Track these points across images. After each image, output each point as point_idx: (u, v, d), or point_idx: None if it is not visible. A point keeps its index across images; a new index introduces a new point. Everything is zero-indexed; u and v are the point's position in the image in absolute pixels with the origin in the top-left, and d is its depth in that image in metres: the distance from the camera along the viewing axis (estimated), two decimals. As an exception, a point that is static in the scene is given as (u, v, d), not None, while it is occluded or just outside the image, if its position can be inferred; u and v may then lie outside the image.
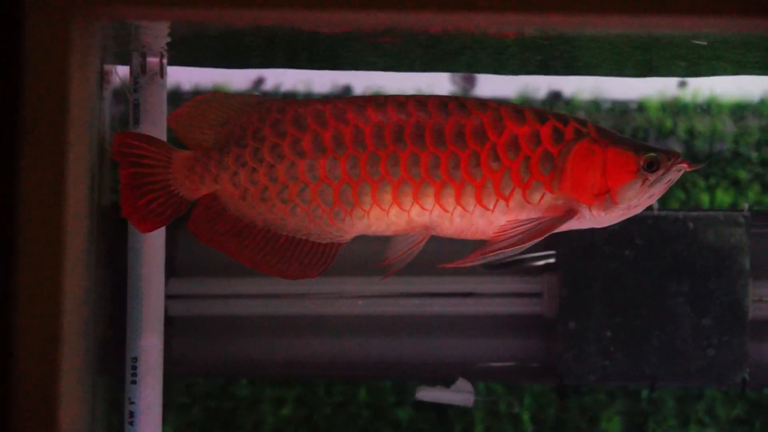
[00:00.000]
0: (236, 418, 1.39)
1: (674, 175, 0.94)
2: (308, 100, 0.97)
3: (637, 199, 0.94)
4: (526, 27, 1.01)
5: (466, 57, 1.18)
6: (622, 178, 0.93)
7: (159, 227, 0.96)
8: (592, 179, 0.93)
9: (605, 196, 0.93)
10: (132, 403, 1.15)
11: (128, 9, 0.88)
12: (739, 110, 1.41)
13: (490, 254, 0.94)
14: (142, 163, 0.95)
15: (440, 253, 1.10)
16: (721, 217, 1.24)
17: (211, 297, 1.30)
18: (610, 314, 1.24)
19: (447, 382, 1.30)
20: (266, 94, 1.44)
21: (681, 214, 1.25)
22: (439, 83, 1.45)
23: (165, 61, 1.14)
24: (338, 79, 1.44)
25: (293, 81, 1.45)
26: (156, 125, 1.16)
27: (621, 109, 1.42)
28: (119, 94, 1.25)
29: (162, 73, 1.15)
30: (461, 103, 0.94)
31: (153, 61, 1.15)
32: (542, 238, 0.94)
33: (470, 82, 1.44)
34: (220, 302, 1.30)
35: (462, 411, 1.38)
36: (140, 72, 1.15)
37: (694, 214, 1.25)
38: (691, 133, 1.41)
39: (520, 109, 0.95)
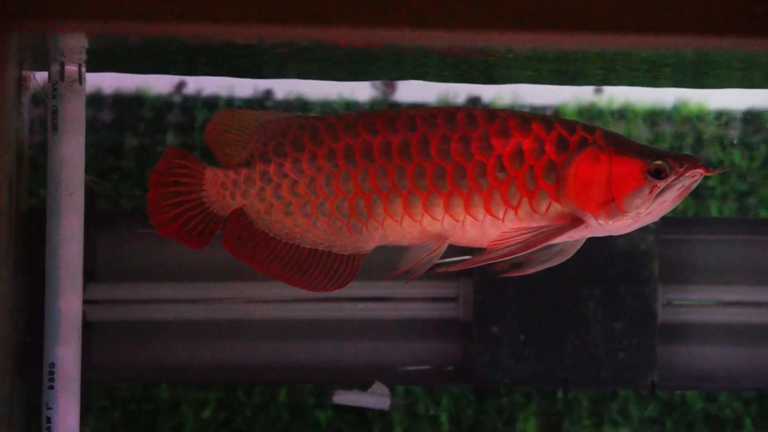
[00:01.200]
0: (157, 421, 1.41)
1: (688, 181, 0.94)
2: (326, 115, 1.01)
3: (645, 207, 0.95)
4: (441, 43, 1.04)
5: (387, 66, 1.21)
6: (628, 186, 0.94)
7: (204, 245, 1.00)
8: (596, 188, 0.95)
9: (611, 205, 0.95)
10: (49, 408, 1.16)
11: (46, 22, 0.90)
12: (653, 116, 1.45)
13: (491, 260, 0.97)
14: (181, 182, 1.00)
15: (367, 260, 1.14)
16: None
17: (130, 302, 1.31)
18: (524, 318, 1.27)
19: (364, 386, 1.33)
20: (187, 98, 1.46)
21: (593, 220, 1.29)
22: (361, 88, 1.47)
23: (83, 68, 1.16)
24: (260, 84, 1.46)
25: (215, 85, 1.47)
26: (74, 131, 1.17)
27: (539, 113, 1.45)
28: (39, 100, 1.26)
29: (81, 79, 1.17)
30: (470, 114, 0.97)
31: (72, 68, 1.16)
32: (541, 246, 0.96)
33: (391, 88, 1.47)
34: (138, 307, 1.31)
35: (381, 413, 1.40)
36: (59, 79, 1.16)
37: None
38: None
39: (528, 117, 0.97)
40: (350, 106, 1.45)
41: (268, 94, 1.46)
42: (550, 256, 1.00)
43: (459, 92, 1.46)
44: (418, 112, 0.98)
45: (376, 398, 1.31)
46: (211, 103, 1.45)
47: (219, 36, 0.99)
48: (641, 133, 1.45)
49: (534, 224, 0.95)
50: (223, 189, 0.99)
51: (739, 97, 1.43)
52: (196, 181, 1.00)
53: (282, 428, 1.42)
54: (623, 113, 1.45)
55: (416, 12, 0.92)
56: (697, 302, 1.31)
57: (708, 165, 0.97)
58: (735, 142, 1.41)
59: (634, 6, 0.93)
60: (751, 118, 1.44)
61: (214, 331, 1.33)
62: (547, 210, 0.95)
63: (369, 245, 0.99)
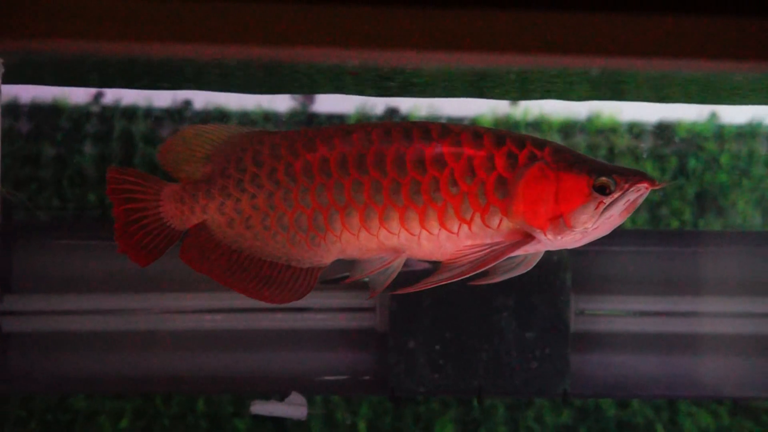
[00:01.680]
0: (74, 431, 1.42)
1: (633, 195, 0.94)
2: (286, 131, 1.01)
3: (592, 222, 0.95)
4: (354, 60, 1.06)
5: (305, 80, 1.23)
6: (575, 202, 0.94)
7: (155, 260, 1.00)
8: (544, 204, 0.95)
9: (559, 221, 0.95)
10: (-37, 421, 1.17)
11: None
12: (567, 128, 1.48)
13: (444, 281, 0.97)
14: (134, 198, 0.99)
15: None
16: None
17: (47, 313, 1.31)
18: (439, 328, 1.30)
19: (282, 396, 1.35)
20: (106, 108, 1.46)
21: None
22: (281, 99, 1.49)
23: (-2, 80, 1.16)
24: (179, 95, 1.47)
25: (134, 95, 1.47)
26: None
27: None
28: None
29: (-5, 90, 1.17)
30: (426, 130, 0.98)
31: (-15, 80, 1.17)
32: (496, 263, 0.96)
33: (310, 99, 1.48)
34: (55, 318, 1.32)
35: (299, 422, 1.42)
36: (-28, 90, 1.16)
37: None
38: (523, 150, 1.48)
39: (481, 133, 0.97)
40: (269, 116, 1.46)
41: (187, 104, 1.47)
42: (512, 266, 1.02)
43: (377, 104, 1.48)
44: (375, 127, 0.99)
45: (293, 408, 1.33)
46: (130, 113, 1.45)
47: (134, 53, 1.00)
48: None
49: (488, 239, 0.96)
50: (181, 204, 1.00)
51: (651, 110, 1.46)
52: (153, 197, 1.00)
53: (200, 438, 1.43)
54: (538, 125, 1.48)
55: (333, 31, 0.94)
56: (610, 312, 1.34)
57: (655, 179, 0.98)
58: (644, 155, 1.44)
59: (541, 28, 0.96)
60: (662, 130, 1.47)
61: (132, 342, 1.34)
62: (499, 225, 0.96)
63: (327, 259, 1.00)
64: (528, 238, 0.96)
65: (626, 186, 0.94)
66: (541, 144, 0.97)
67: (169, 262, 1.28)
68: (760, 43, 0.97)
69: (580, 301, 1.32)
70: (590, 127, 1.48)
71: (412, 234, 0.97)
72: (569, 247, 0.98)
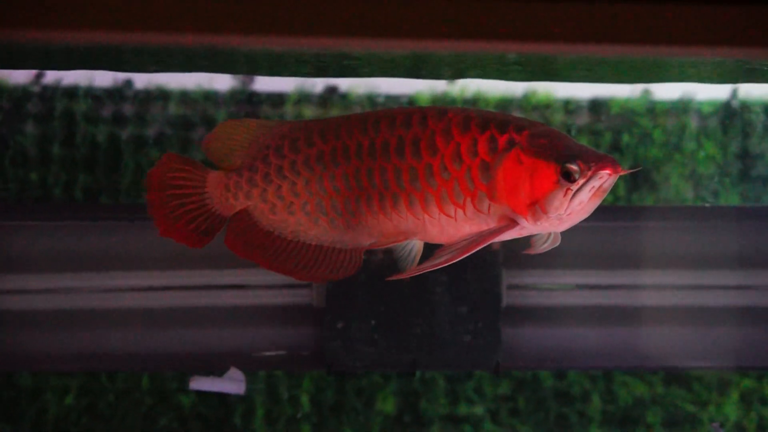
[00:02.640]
0: (19, 408, 1.45)
1: (597, 182, 0.94)
2: (320, 119, 1.05)
3: (563, 209, 0.95)
4: (300, 47, 1.10)
5: (246, 61, 1.26)
6: (546, 189, 0.95)
7: (206, 243, 1.06)
8: (522, 190, 0.96)
9: (535, 207, 0.96)
10: None
11: None
12: (504, 104, 1.51)
13: (436, 266, 1.00)
14: (180, 185, 1.04)
15: (215, 245, 1.19)
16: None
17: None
18: (374, 304, 1.33)
19: (221, 372, 1.39)
20: (47, 88, 1.49)
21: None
22: (221, 78, 1.52)
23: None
24: (119, 74, 1.50)
25: (75, 75, 1.50)
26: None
27: (394, 103, 1.51)
28: None
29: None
30: (423, 115, 1.00)
31: None
32: (482, 246, 0.98)
33: (250, 78, 1.51)
34: (0, 297, 1.35)
35: (243, 397, 1.46)
36: None
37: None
38: (460, 126, 1.51)
39: (471, 116, 0.99)
40: (209, 96, 1.49)
41: (128, 83, 1.50)
42: (543, 242, 1.03)
43: (317, 82, 1.51)
44: (385, 115, 1.02)
45: (231, 383, 1.36)
46: (71, 92, 1.48)
47: (75, 40, 1.03)
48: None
49: (483, 224, 0.99)
50: (226, 191, 1.04)
51: (585, 87, 1.50)
52: (199, 184, 1.04)
53: (145, 413, 1.46)
54: (475, 102, 1.51)
55: (277, 19, 0.97)
56: (541, 286, 1.38)
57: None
58: (573, 132, 1.48)
59: (473, 15, 0.99)
60: (596, 106, 1.51)
61: (76, 321, 1.37)
62: (489, 210, 0.98)
63: (364, 240, 1.03)
64: (512, 223, 0.98)
65: (589, 173, 0.94)
66: (521, 127, 0.98)
67: (109, 240, 1.32)
68: (690, 28, 1.01)
69: (511, 276, 1.35)
70: (526, 104, 1.51)
71: (417, 218, 1.01)
72: (551, 231, 1.00)
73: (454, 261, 0.99)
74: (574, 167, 0.94)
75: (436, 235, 1.01)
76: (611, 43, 1.00)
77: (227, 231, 1.05)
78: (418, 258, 1.04)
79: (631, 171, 0.95)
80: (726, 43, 1.00)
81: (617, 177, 0.95)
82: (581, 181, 0.94)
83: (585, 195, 0.95)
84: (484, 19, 0.98)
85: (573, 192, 0.95)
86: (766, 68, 1.22)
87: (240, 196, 1.04)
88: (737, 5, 0.99)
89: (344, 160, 1.02)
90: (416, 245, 1.04)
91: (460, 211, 0.98)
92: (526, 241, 1.04)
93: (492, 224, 0.98)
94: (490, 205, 0.97)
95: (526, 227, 0.98)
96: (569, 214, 0.96)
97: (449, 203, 0.98)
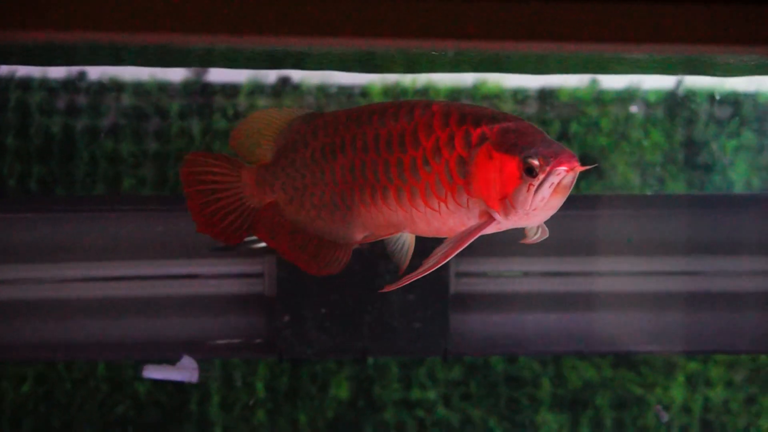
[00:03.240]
0: (-24, 398, 1.47)
1: (556, 178, 0.94)
2: (332, 112, 1.07)
3: (529, 204, 0.95)
4: (252, 45, 1.12)
5: (199, 56, 1.28)
6: (512, 184, 0.95)
7: (241, 240, 1.08)
8: (493, 185, 0.96)
9: (506, 202, 0.96)
10: None
11: None
12: (455, 94, 1.54)
13: (426, 271, 1.01)
14: (215, 180, 1.07)
15: (168, 236, 1.21)
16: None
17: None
18: (325, 292, 1.36)
19: (173, 360, 1.42)
20: (0, 79, 1.51)
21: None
22: (174, 69, 1.54)
23: None
24: (73, 67, 1.52)
25: (28, 66, 1.52)
26: None
27: (346, 94, 1.53)
28: None
29: None
30: (411, 108, 1.02)
31: None
32: (467, 245, 0.99)
33: (203, 69, 1.53)
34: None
35: (199, 384, 1.49)
36: None
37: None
38: (412, 116, 1.54)
39: (452, 110, 0.99)
40: (163, 87, 1.51)
41: (82, 75, 1.52)
42: (534, 234, 1.05)
43: (269, 73, 1.53)
44: (379, 108, 1.04)
45: (184, 371, 1.39)
46: (25, 83, 1.50)
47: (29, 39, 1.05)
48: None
49: (465, 218, 0.99)
50: (257, 184, 1.07)
51: (534, 78, 1.53)
52: (234, 179, 1.07)
53: (102, 400, 1.49)
54: (426, 92, 1.54)
55: (226, 19, 1.00)
56: (488, 273, 1.41)
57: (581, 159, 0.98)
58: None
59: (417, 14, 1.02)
60: (545, 96, 1.54)
61: (31, 311, 1.39)
62: (468, 204, 0.99)
63: (358, 234, 1.06)
64: (490, 219, 0.98)
65: (548, 169, 0.94)
66: (495, 122, 0.98)
67: (64, 232, 1.34)
68: (638, 26, 1.04)
69: (459, 263, 1.39)
70: (476, 93, 1.54)
71: (405, 211, 1.02)
72: (522, 226, 1.00)
73: (443, 263, 1.00)
74: (534, 162, 0.94)
75: (424, 228, 1.03)
76: (558, 41, 1.02)
77: (254, 222, 1.08)
78: (410, 252, 1.06)
79: (588, 168, 0.95)
80: (672, 41, 1.03)
81: (578, 173, 0.95)
82: (541, 177, 0.94)
83: (546, 191, 0.95)
84: (429, 20, 1.00)
85: (535, 187, 0.95)
86: (708, 63, 1.26)
87: (267, 189, 1.07)
88: (684, 4, 1.02)
89: (341, 154, 1.04)
90: (408, 239, 1.06)
91: (443, 205, 0.99)
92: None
93: (473, 218, 0.99)
94: (468, 199, 0.98)
95: (501, 222, 0.98)
96: (534, 210, 0.96)
97: (433, 196, 1.00)
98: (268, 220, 1.07)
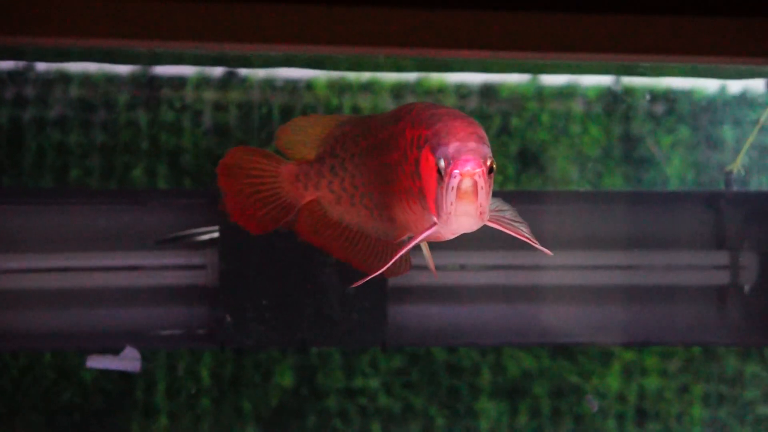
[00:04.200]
0: None
1: (454, 182, 0.91)
2: (373, 115, 1.10)
3: (446, 206, 0.92)
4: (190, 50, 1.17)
5: (146, 55, 1.32)
6: (433, 187, 0.93)
7: (271, 229, 1.10)
8: (429, 186, 0.94)
9: (435, 204, 0.94)
10: None
11: None
12: (398, 89, 1.59)
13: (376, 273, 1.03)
14: (253, 175, 1.08)
15: (112, 228, 1.25)
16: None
17: None
18: (266, 284, 1.40)
19: (116, 351, 1.46)
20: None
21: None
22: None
23: None
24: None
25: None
26: None
27: (291, 87, 1.57)
28: None
29: None
30: (399, 111, 1.02)
31: None
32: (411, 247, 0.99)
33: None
34: None
35: (145, 372, 1.53)
36: None
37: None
38: (355, 109, 1.59)
39: (420, 113, 0.98)
40: (111, 78, 1.55)
41: (30, 67, 1.55)
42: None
43: (215, 68, 1.57)
44: (395, 111, 1.04)
45: (127, 362, 1.43)
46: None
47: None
48: (387, 105, 1.58)
49: (426, 223, 0.98)
50: (297, 181, 1.08)
51: (476, 74, 1.58)
52: (272, 174, 1.09)
53: (48, 387, 1.53)
54: (371, 86, 1.58)
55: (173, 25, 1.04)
56: (427, 266, 1.45)
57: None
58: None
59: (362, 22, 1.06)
60: (487, 91, 1.59)
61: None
62: (426, 208, 0.97)
63: (396, 234, 1.05)
64: (433, 224, 0.96)
65: (449, 170, 0.91)
66: (435, 122, 0.96)
67: (10, 223, 1.38)
68: (574, 36, 1.08)
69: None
70: (419, 89, 1.59)
71: (402, 213, 1.02)
72: (455, 232, 0.97)
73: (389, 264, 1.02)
74: (441, 164, 0.92)
75: (417, 231, 1.01)
76: (500, 49, 1.07)
77: (299, 220, 1.10)
78: (426, 253, 1.09)
79: (490, 172, 0.91)
80: (607, 50, 1.08)
81: (484, 177, 0.91)
82: (446, 180, 0.91)
83: (451, 195, 0.91)
84: (373, 27, 1.05)
85: (445, 191, 0.92)
86: (641, 67, 1.32)
87: (310, 186, 1.08)
88: (620, 14, 1.07)
89: (368, 156, 1.06)
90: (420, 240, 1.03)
91: (417, 207, 0.99)
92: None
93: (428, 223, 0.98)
94: (423, 202, 0.97)
95: (440, 228, 0.96)
96: (449, 215, 0.93)
97: (409, 199, 1.00)
98: (311, 217, 1.09)
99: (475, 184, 0.91)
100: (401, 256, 1.04)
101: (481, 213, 0.93)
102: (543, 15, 1.08)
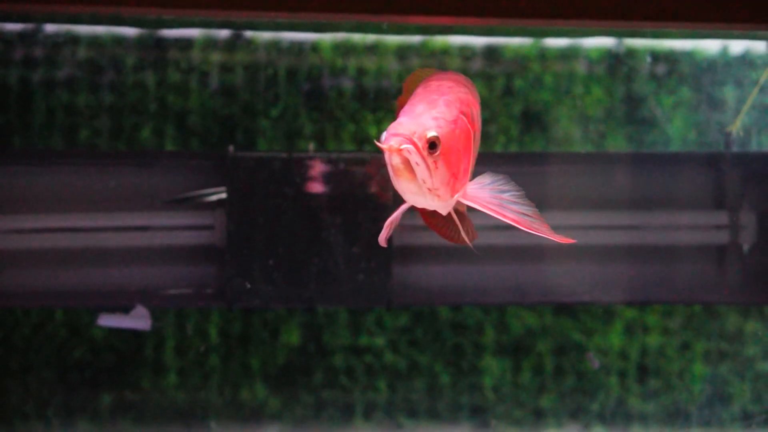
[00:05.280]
0: (-65, 343, 1.56)
1: (387, 157, 0.92)
2: None
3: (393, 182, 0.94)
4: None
5: (153, 19, 1.36)
6: None
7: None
8: None
9: None
10: None
11: None
12: (403, 51, 1.62)
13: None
14: None
15: (122, 189, 1.30)
16: (367, 157, 1.46)
17: None
18: (272, 245, 1.45)
19: (126, 309, 1.51)
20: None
21: (334, 154, 1.46)
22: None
23: None
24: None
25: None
26: None
27: (297, 49, 1.61)
28: None
29: None
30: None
31: None
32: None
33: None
34: None
35: (154, 330, 1.58)
36: None
37: (345, 155, 1.46)
38: (360, 71, 1.63)
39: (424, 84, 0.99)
40: (118, 40, 1.59)
41: (39, 28, 1.59)
42: None
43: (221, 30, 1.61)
44: None
45: (137, 320, 1.48)
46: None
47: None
48: (392, 67, 1.62)
49: None
50: None
51: (480, 37, 1.62)
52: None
53: (59, 344, 1.58)
54: (376, 47, 1.62)
55: None
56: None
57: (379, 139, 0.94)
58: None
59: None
60: (490, 52, 1.62)
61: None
62: None
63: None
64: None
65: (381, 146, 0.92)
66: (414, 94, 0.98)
67: (21, 184, 1.42)
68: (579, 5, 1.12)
69: (404, 217, 1.46)
70: (424, 49, 1.62)
71: None
72: (413, 205, 1.00)
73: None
74: (381, 138, 0.92)
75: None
76: (505, 17, 1.11)
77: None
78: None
79: (433, 147, 0.91)
80: (610, 18, 1.12)
81: (420, 153, 0.92)
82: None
83: (390, 171, 0.93)
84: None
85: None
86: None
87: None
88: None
89: None
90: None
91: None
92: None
93: None
94: None
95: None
96: (402, 191, 0.95)
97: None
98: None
99: (405, 160, 0.92)
100: (464, 225, 1.04)
101: (430, 189, 0.93)
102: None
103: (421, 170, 0.92)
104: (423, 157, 0.92)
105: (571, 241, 1.01)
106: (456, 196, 0.96)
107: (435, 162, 0.92)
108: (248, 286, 1.43)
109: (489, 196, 0.99)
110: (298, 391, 1.62)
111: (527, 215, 0.99)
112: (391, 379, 1.63)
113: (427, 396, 1.64)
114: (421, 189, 0.93)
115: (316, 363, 1.62)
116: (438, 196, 0.95)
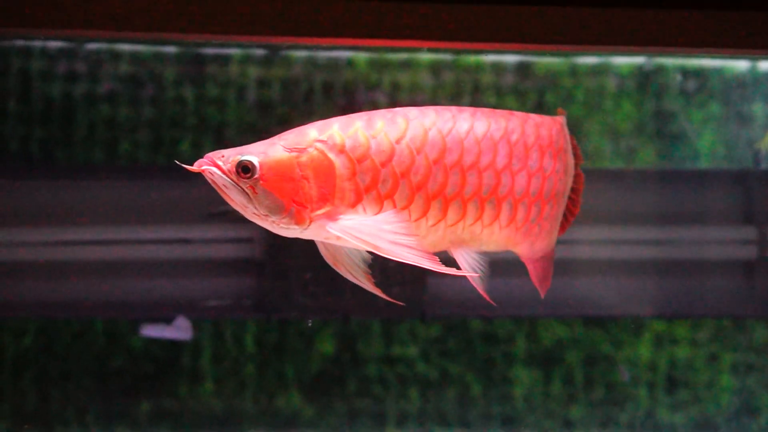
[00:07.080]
0: (-22, 350, 1.63)
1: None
2: None
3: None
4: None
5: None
6: None
7: None
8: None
9: None
10: None
11: None
12: (436, 66, 1.68)
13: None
14: None
15: (163, 203, 1.36)
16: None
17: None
18: (309, 257, 1.50)
19: (168, 320, 1.57)
20: (2, 48, 1.64)
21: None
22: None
23: None
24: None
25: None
26: None
27: (333, 65, 1.67)
28: None
29: None
30: None
31: None
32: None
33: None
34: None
35: (192, 340, 1.64)
36: None
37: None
38: (395, 86, 1.69)
39: None
40: (158, 55, 1.65)
41: (80, 44, 1.65)
42: None
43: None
44: None
45: (178, 330, 1.55)
46: (25, 52, 1.63)
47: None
48: (426, 82, 1.68)
49: None
50: None
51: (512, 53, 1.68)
52: None
53: (98, 352, 1.64)
54: (409, 63, 1.68)
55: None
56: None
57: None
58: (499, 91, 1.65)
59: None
60: (522, 68, 1.69)
61: (34, 270, 1.55)
62: None
63: None
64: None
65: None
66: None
67: (66, 197, 1.49)
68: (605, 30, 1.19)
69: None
70: (457, 66, 1.68)
71: None
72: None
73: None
74: None
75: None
76: (534, 43, 1.17)
77: None
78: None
79: (245, 173, 0.97)
80: (636, 44, 1.18)
81: (224, 173, 0.97)
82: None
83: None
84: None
85: None
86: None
87: None
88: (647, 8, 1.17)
89: None
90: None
91: None
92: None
93: None
94: None
95: None
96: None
97: None
98: None
99: (214, 182, 0.96)
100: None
101: (257, 215, 0.99)
102: (572, 9, 1.19)
103: (234, 194, 0.97)
104: (234, 181, 0.97)
105: (454, 271, 1.07)
106: (313, 224, 1.03)
107: (252, 187, 0.97)
108: (309, 323, 1.49)
109: (364, 227, 1.03)
110: (331, 399, 1.67)
111: (405, 245, 1.05)
112: (423, 388, 1.68)
113: (458, 405, 1.69)
114: (248, 214, 0.99)
115: (349, 372, 1.67)
116: (275, 223, 1.01)
